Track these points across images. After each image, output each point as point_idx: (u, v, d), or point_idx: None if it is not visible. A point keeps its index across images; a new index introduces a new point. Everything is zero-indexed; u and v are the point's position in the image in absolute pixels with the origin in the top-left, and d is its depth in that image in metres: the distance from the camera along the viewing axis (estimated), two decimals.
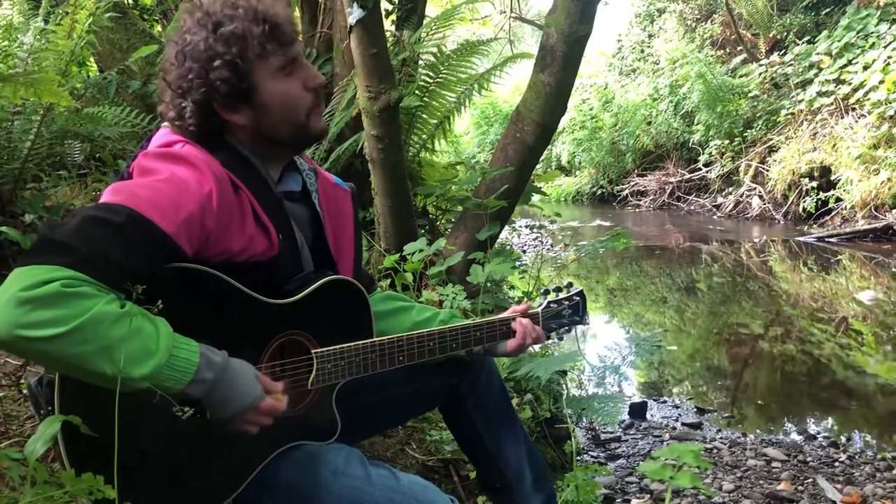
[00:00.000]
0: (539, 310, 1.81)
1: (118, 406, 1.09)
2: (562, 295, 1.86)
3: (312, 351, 1.43)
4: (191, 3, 1.45)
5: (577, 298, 1.86)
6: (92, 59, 5.15)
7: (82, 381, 1.11)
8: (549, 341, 1.91)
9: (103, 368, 1.07)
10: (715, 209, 12.42)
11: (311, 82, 1.44)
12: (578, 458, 3.15)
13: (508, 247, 5.09)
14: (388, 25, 4.48)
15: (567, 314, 1.84)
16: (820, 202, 10.01)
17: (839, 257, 8.04)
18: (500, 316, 1.76)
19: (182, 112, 1.37)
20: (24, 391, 1.85)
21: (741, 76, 12.76)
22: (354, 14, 2.90)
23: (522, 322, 1.74)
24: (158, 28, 5.52)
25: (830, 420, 3.75)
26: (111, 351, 1.07)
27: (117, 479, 1.13)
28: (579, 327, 1.95)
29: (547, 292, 1.85)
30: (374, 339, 1.52)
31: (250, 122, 1.40)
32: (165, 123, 1.43)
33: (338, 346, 1.46)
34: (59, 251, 1.07)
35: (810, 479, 2.98)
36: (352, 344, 1.48)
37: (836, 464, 3.16)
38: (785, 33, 12.48)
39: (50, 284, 1.03)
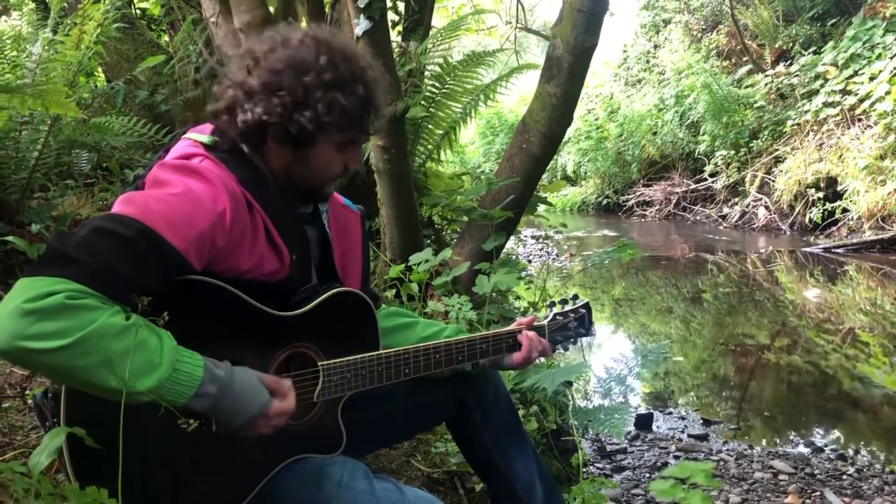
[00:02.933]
0: (545, 322, 1.80)
1: (122, 419, 1.09)
2: (568, 307, 1.85)
3: (318, 363, 1.42)
4: (330, 29, 1.44)
5: (583, 311, 1.85)
6: (99, 70, 5.18)
7: (87, 393, 1.11)
8: (555, 353, 1.90)
9: (106, 381, 1.06)
10: (721, 220, 12.39)
11: (352, 165, 1.47)
12: (584, 470, 3.13)
13: (514, 257, 5.08)
14: (395, 36, 4.49)
15: (573, 326, 1.83)
16: (826, 213, 9.97)
17: (846, 268, 8.01)
18: (506, 329, 1.76)
19: (236, 114, 1.37)
20: (30, 402, 1.85)
21: (747, 87, 12.75)
22: (361, 26, 2.91)
23: (528, 335, 1.73)
24: (166, 38, 5.55)
25: (837, 432, 3.72)
26: (113, 364, 1.06)
27: (122, 492, 1.13)
28: (585, 338, 1.94)
29: (553, 304, 1.84)
30: (381, 352, 1.51)
31: (285, 162, 1.42)
32: (187, 134, 1.42)
33: (344, 359, 1.45)
34: (66, 263, 1.07)
35: (818, 493, 2.95)
36: (358, 356, 1.47)
37: (844, 477, 3.13)
38: (791, 44, 12.48)
39: (54, 296, 1.03)
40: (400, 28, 4.64)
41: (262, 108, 1.34)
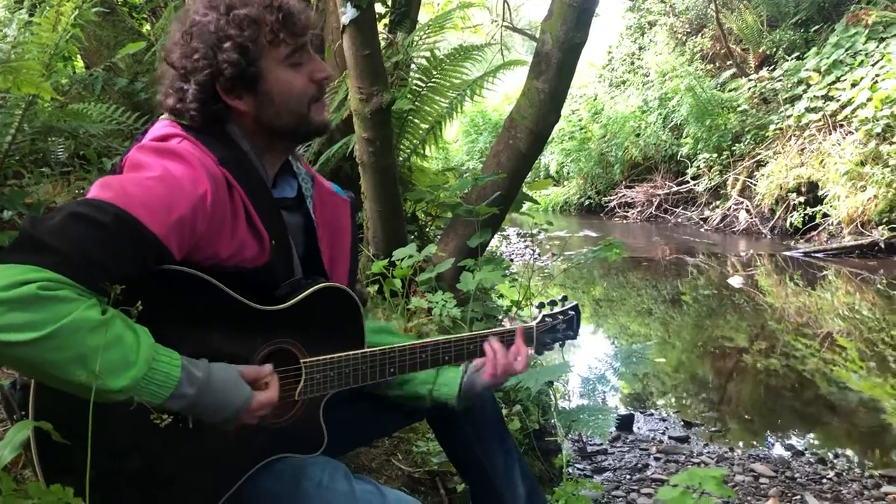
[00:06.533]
0: (534, 323, 1.76)
1: (91, 416, 1.04)
2: (557, 309, 1.81)
3: (301, 360, 1.37)
4: None
5: (572, 313, 1.81)
6: (78, 56, 5.07)
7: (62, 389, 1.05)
8: (541, 355, 1.86)
9: (78, 378, 1.01)
10: (702, 222, 12.45)
11: (318, 75, 1.40)
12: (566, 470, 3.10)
13: (498, 255, 5.05)
14: (381, 28, 4.44)
15: (561, 328, 1.79)
16: (807, 217, 10.05)
17: (825, 273, 8.07)
18: (497, 329, 1.71)
19: (183, 95, 1.33)
20: None
21: (730, 90, 12.82)
22: (348, 14, 2.85)
23: (495, 347, 1.62)
24: (147, 26, 5.45)
25: (817, 435, 3.73)
26: (87, 360, 1.01)
27: (91, 491, 1.08)
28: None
29: (542, 305, 1.80)
30: (365, 350, 1.46)
31: (252, 110, 1.36)
32: (164, 115, 1.38)
33: (327, 357, 1.40)
34: (40, 250, 1.02)
35: (798, 496, 2.96)
36: (342, 354, 1.42)
37: (824, 480, 3.14)
38: (774, 49, 12.56)
39: (26, 286, 0.98)
40: (387, 20, 4.58)
41: (194, 76, 1.32)
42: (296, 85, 1.37)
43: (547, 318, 1.78)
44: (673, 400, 4.36)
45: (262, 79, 1.34)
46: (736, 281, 7.62)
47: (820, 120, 10.33)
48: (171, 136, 1.30)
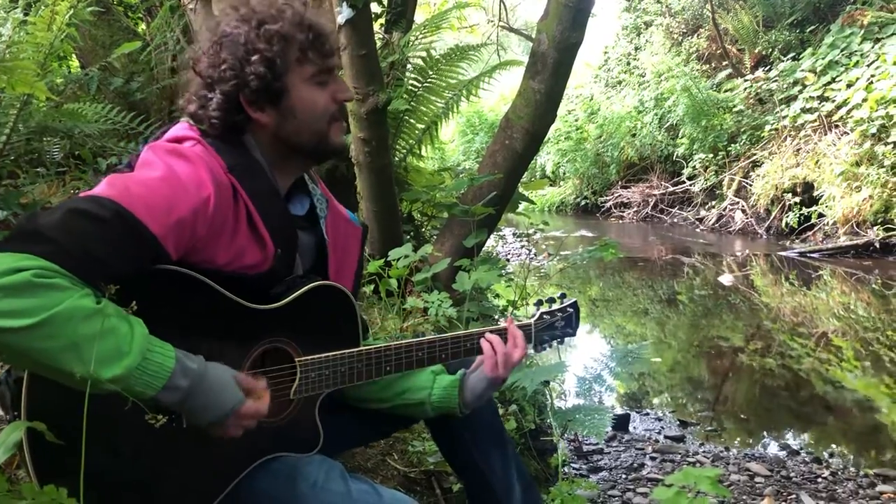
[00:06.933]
0: (532, 321, 1.75)
1: (87, 409, 1.03)
2: (555, 306, 1.80)
3: (296, 359, 1.37)
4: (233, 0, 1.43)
5: (571, 310, 1.80)
6: (74, 56, 5.06)
7: (50, 379, 1.05)
8: (538, 353, 1.85)
9: (70, 367, 1.01)
10: (698, 222, 12.47)
11: (340, 96, 1.43)
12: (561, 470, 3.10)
13: (494, 255, 5.05)
14: (377, 28, 4.44)
15: (560, 326, 1.78)
16: (802, 217, 10.07)
17: (820, 273, 8.09)
18: (490, 327, 1.70)
19: (207, 103, 1.35)
20: None
21: (726, 91, 12.84)
22: (344, 14, 2.85)
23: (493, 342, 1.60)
24: (143, 26, 5.44)
25: (812, 435, 3.74)
26: (80, 349, 1.01)
27: (86, 491, 1.07)
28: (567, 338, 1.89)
29: (540, 303, 1.79)
30: (361, 349, 1.46)
31: (272, 123, 1.38)
32: (184, 118, 1.40)
33: (322, 355, 1.40)
34: (37, 240, 1.03)
35: (794, 496, 2.96)
36: (337, 353, 1.42)
37: (819, 480, 3.14)
38: (770, 49, 12.58)
39: (20, 273, 0.98)
40: (383, 20, 4.59)
41: (220, 86, 1.34)
42: (319, 103, 1.40)
43: (545, 316, 1.77)
44: (669, 399, 4.37)
45: (287, 94, 1.36)
46: (727, 279, 7.75)
47: (815, 120, 10.35)
48: (186, 139, 1.32)
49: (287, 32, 1.35)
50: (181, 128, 1.37)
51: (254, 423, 1.24)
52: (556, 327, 1.78)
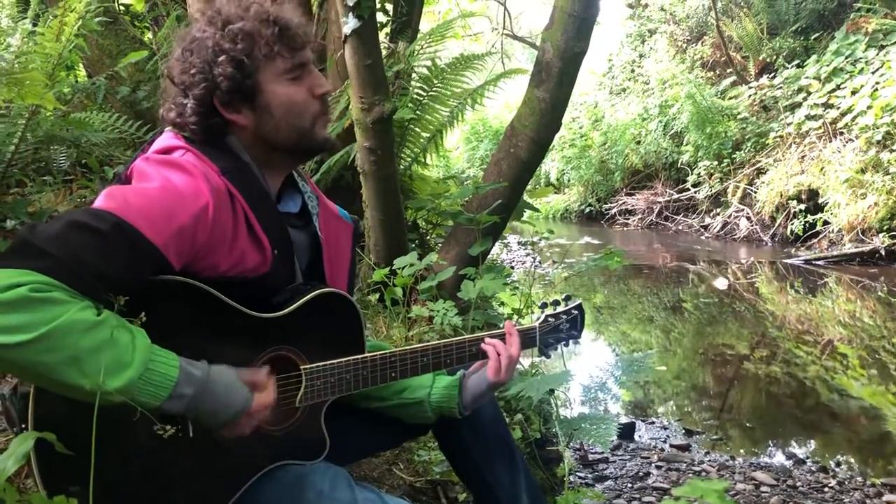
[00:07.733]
0: (536, 324, 1.75)
1: (95, 422, 1.04)
2: (560, 308, 1.79)
3: (301, 367, 1.38)
4: (205, 5, 1.43)
5: (576, 312, 1.79)
6: (81, 65, 5.09)
7: (55, 392, 1.06)
8: (538, 359, 1.85)
9: (73, 380, 1.01)
10: (703, 229, 12.45)
11: (318, 90, 1.41)
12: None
13: (499, 263, 5.05)
14: (383, 38, 4.46)
15: (565, 329, 1.78)
16: (807, 225, 10.05)
17: (826, 280, 8.07)
18: (492, 332, 1.70)
19: (183, 110, 1.34)
20: None
21: (731, 98, 12.84)
22: (350, 24, 2.87)
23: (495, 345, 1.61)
24: (149, 35, 5.47)
25: (818, 443, 3.72)
26: (81, 362, 1.01)
27: (95, 500, 1.08)
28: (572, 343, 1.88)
29: (545, 305, 1.79)
30: (366, 355, 1.46)
31: (251, 124, 1.37)
32: (168, 128, 1.39)
33: (327, 362, 1.41)
34: (34, 254, 1.03)
35: None
36: (342, 360, 1.43)
37: (826, 489, 3.12)
38: (774, 56, 12.58)
39: (17, 289, 0.98)
40: (388, 29, 4.61)
41: (192, 91, 1.34)
42: (296, 99, 1.38)
43: (550, 319, 1.77)
44: (674, 408, 4.35)
45: (260, 92, 1.35)
46: (721, 283, 7.93)
47: (820, 127, 10.34)
48: (175, 149, 1.32)
49: (251, 29, 1.33)
50: (167, 137, 1.36)
51: (265, 415, 1.25)
52: (561, 330, 1.77)
